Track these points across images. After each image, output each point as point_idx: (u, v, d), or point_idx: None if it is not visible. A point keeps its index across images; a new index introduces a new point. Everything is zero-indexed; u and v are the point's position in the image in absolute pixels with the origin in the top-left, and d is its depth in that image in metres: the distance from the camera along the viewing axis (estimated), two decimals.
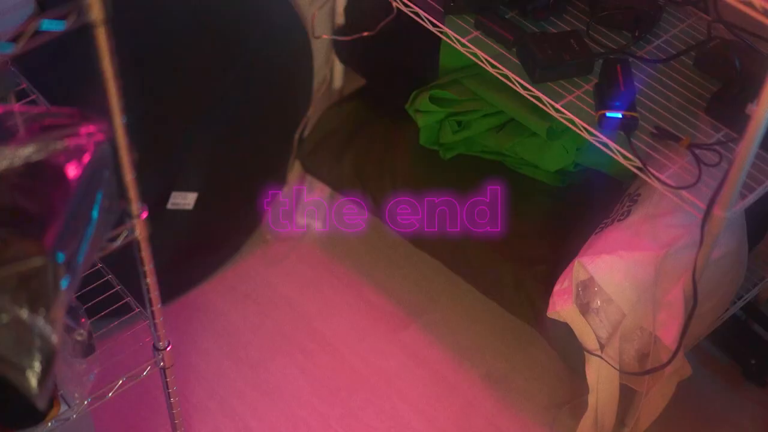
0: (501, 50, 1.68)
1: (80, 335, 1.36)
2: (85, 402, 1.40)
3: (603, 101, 1.57)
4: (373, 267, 2.17)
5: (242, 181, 2.09)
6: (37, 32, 1.03)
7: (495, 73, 1.67)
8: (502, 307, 1.97)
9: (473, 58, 1.70)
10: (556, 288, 1.68)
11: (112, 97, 1.12)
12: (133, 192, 1.24)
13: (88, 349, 1.38)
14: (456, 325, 2.07)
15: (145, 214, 1.27)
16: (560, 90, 1.63)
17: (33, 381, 1.05)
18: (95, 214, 1.11)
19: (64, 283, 1.03)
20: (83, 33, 1.05)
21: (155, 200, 1.91)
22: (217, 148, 1.97)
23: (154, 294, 1.39)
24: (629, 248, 1.59)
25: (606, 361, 1.63)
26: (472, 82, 1.90)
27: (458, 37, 1.70)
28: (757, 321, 2.01)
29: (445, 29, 1.71)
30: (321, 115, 2.17)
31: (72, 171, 1.06)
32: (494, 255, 1.91)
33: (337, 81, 2.24)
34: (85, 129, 1.10)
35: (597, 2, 1.74)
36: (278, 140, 2.14)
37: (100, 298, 1.52)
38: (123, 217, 1.25)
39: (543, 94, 1.61)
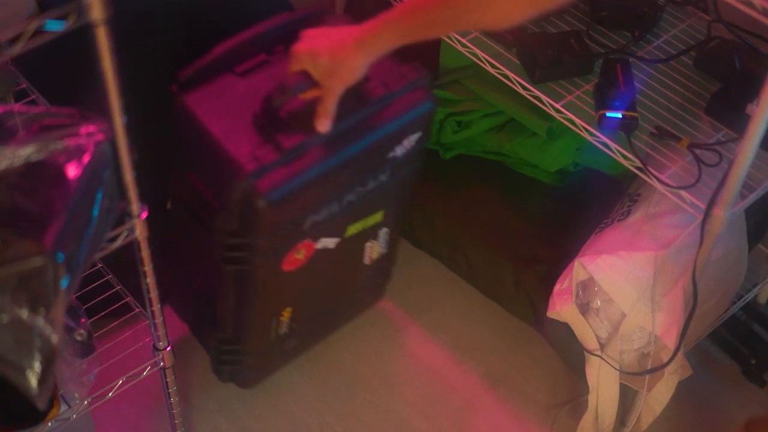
0: (501, 50, 1.68)
1: (80, 335, 1.36)
2: (85, 402, 1.40)
3: (603, 101, 1.57)
4: None
5: None
6: (37, 32, 1.03)
7: (495, 73, 1.67)
8: (502, 307, 1.97)
9: (473, 58, 1.69)
10: (556, 288, 1.68)
11: (112, 97, 1.12)
12: (133, 192, 1.23)
13: (88, 349, 1.38)
14: (456, 325, 2.06)
15: (145, 214, 1.27)
16: (560, 90, 1.63)
17: (33, 381, 1.05)
18: (95, 214, 1.11)
19: (64, 283, 1.02)
20: (83, 33, 1.05)
21: (155, 200, 1.90)
22: None
23: (154, 294, 1.39)
24: (629, 248, 1.59)
25: (606, 361, 1.63)
26: (472, 82, 1.90)
27: (458, 37, 1.70)
28: (757, 321, 2.01)
29: None
30: None
31: (72, 171, 1.06)
32: (494, 255, 1.91)
33: None
34: (85, 129, 1.10)
35: (597, 2, 1.74)
36: None
37: (100, 298, 1.52)
38: (123, 217, 1.25)
39: (543, 94, 1.61)
